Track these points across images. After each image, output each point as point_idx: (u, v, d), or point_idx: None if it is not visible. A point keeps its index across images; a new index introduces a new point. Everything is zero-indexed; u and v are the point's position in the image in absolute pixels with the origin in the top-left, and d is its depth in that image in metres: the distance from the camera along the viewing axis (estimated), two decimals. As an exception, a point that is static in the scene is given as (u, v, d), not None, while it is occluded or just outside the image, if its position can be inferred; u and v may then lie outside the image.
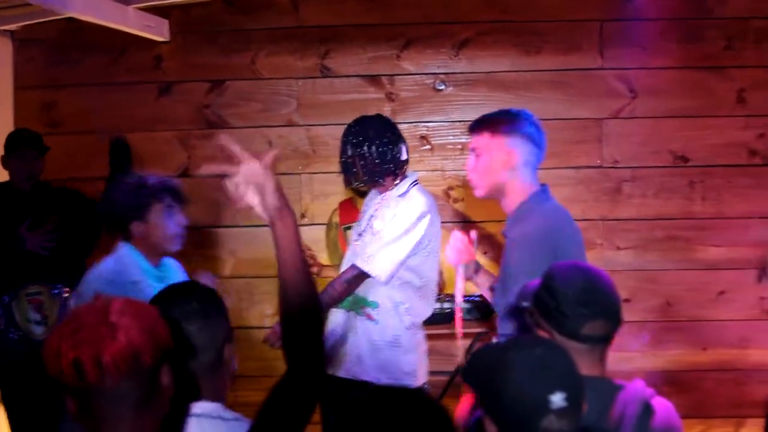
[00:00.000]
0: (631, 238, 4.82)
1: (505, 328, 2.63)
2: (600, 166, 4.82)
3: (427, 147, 4.89)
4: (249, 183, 1.69)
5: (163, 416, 1.59)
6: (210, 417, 1.84)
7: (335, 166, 3.74)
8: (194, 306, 1.90)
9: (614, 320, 2.05)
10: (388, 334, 3.41)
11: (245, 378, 3.88)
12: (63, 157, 4.65)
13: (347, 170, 3.52)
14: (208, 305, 1.93)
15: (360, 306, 3.43)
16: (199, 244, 4.60)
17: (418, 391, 1.66)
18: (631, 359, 4.60)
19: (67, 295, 4.23)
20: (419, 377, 3.49)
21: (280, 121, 4.91)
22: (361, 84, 4.89)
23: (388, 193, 3.50)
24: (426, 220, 3.39)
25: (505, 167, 2.75)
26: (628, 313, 2.09)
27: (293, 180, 4.84)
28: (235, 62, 4.90)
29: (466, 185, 4.87)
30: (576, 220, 2.92)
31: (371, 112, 3.89)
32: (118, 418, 1.51)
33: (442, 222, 3.68)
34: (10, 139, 4.36)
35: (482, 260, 3.89)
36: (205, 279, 3.10)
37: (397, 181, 3.50)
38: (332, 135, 4.42)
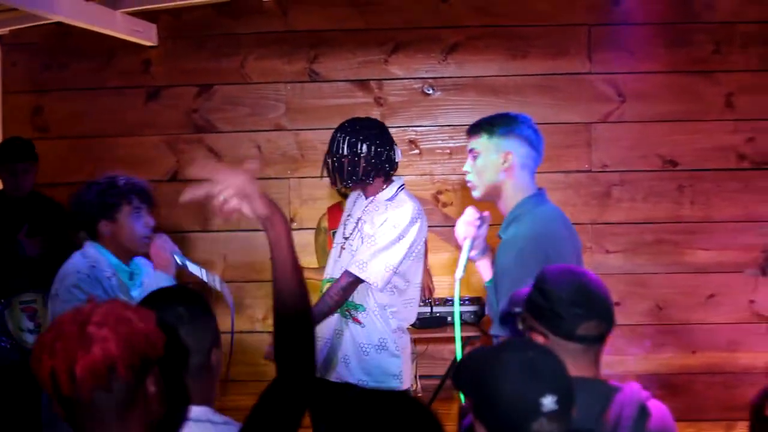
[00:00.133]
0: (620, 241, 4.83)
1: (497, 329, 2.64)
2: (589, 171, 4.84)
3: (416, 151, 4.89)
4: (235, 196, 1.70)
5: (152, 422, 1.58)
6: (199, 421, 1.84)
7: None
8: (180, 311, 1.89)
9: (608, 320, 2.05)
10: (375, 338, 3.40)
11: (235, 382, 3.90)
12: (51, 161, 4.64)
13: (338, 168, 3.44)
14: (194, 309, 1.92)
15: (347, 309, 3.42)
16: (189, 249, 4.58)
17: (405, 394, 1.67)
18: (621, 362, 4.61)
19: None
20: (405, 380, 3.48)
21: (268, 125, 4.91)
22: (349, 88, 4.89)
23: (375, 196, 3.47)
24: (417, 226, 3.38)
25: (502, 169, 2.76)
26: (618, 317, 2.10)
27: (282, 184, 4.84)
28: (223, 66, 4.90)
29: (455, 189, 4.89)
30: (566, 224, 2.92)
31: (360, 116, 3.88)
32: (99, 427, 1.51)
33: (431, 226, 3.68)
34: (0, 151, 4.34)
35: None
36: (160, 241, 3.07)
37: (385, 185, 3.48)
38: (321, 139, 4.41)
